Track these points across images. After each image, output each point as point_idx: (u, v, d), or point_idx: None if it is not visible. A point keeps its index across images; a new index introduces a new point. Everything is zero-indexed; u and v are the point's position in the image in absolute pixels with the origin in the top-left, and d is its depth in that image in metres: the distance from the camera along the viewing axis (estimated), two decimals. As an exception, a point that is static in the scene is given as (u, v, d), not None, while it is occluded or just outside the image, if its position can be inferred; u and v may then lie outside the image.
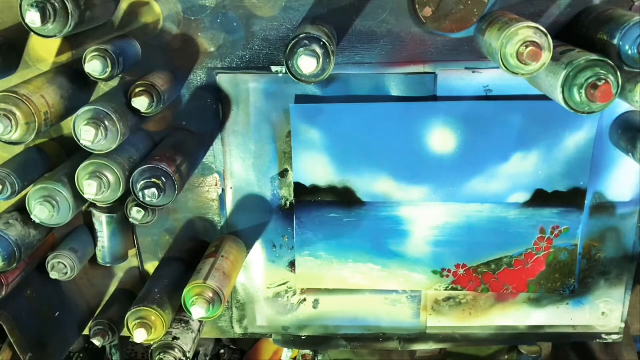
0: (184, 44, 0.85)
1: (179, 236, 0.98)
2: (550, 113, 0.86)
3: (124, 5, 0.83)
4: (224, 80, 0.87)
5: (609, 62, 0.66)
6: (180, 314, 0.91)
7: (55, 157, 0.89)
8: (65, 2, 0.67)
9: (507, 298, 1.00)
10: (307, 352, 1.17)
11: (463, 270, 0.97)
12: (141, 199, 0.78)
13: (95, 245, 0.93)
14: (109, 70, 0.75)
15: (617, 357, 1.05)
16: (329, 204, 0.94)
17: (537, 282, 0.97)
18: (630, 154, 0.83)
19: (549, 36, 0.66)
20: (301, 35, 0.70)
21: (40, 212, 0.76)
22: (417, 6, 0.78)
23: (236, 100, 0.88)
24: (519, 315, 1.00)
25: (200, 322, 0.94)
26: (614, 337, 1.01)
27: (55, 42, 0.85)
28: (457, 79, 0.86)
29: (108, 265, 0.95)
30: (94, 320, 0.96)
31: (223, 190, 0.94)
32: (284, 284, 1.00)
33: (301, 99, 0.88)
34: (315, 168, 0.91)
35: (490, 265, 0.97)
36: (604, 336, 1.01)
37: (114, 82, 0.85)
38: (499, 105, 0.87)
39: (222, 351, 1.30)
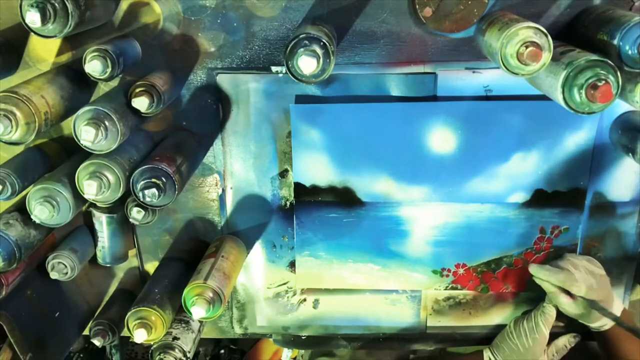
0: (184, 44, 0.85)
1: (179, 236, 0.98)
2: (550, 113, 0.86)
3: (124, 5, 0.83)
4: (224, 80, 0.87)
5: (609, 62, 0.66)
6: (181, 314, 0.91)
7: (55, 157, 0.89)
8: (65, 2, 0.67)
9: (507, 298, 1.00)
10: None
11: (463, 270, 0.97)
12: (141, 199, 0.78)
13: (95, 245, 0.93)
14: (109, 70, 0.75)
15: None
16: (329, 204, 0.94)
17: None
18: (630, 154, 0.83)
19: (549, 36, 0.66)
20: (301, 35, 0.70)
21: (40, 212, 0.76)
22: (417, 6, 0.78)
23: (236, 100, 0.88)
24: (519, 314, 1.00)
25: (200, 322, 0.94)
26: (614, 337, 1.01)
27: (55, 42, 0.85)
28: (457, 79, 0.86)
29: (108, 265, 0.95)
30: (94, 320, 0.96)
31: (223, 190, 0.94)
32: (284, 284, 1.00)
33: (301, 99, 0.88)
34: (315, 168, 0.91)
35: (490, 264, 0.97)
36: (603, 336, 1.01)
37: (114, 82, 0.85)
38: (499, 105, 0.87)
39: (222, 351, 1.30)
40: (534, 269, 0.91)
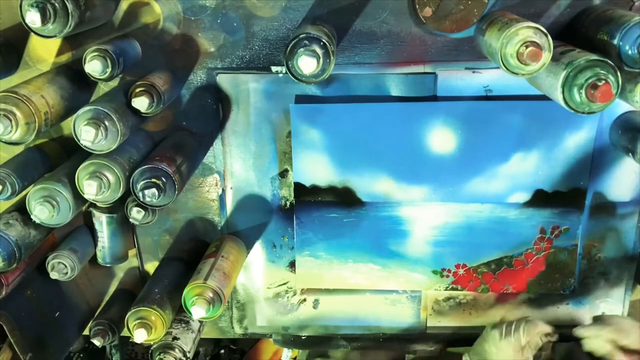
0: (184, 44, 0.85)
1: (179, 236, 0.98)
2: (550, 113, 0.86)
3: (124, 5, 0.83)
4: (224, 80, 0.87)
5: (609, 62, 0.66)
6: (180, 314, 0.91)
7: (55, 157, 0.89)
8: (65, 2, 0.67)
9: (507, 298, 1.00)
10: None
11: (463, 270, 0.97)
12: (141, 199, 0.78)
13: (95, 245, 0.93)
14: (109, 70, 0.75)
15: None
16: (329, 204, 0.94)
17: (537, 282, 0.97)
18: (630, 154, 0.83)
19: (549, 36, 0.66)
20: (301, 35, 0.70)
21: (40, 212, 0.76)
22: (417, 6, 0.78)
23: (236, 100, 0.88)
24: (519, 315, 1.00)
25: (200, 322, 0.94)
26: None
27: (55, 42, 0.85)
28: (457, 79, 0.86)
29: (108, 265, 0.95)
30: (94, 320, 0.96)
31: (223, 190, 0.94)
32: (284, 284, 1.00)
33: (301, 99, 0.88)
34: (315, 168, 0.91)
35: (490, 265, 0.97)
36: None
37: (114, 82, 0.85)
38: (499, 105, 0.87)
39: (222, 351, 1.30)
40: (580, 331, 0.86)
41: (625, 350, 0.83)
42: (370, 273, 0.98)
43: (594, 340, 0.85)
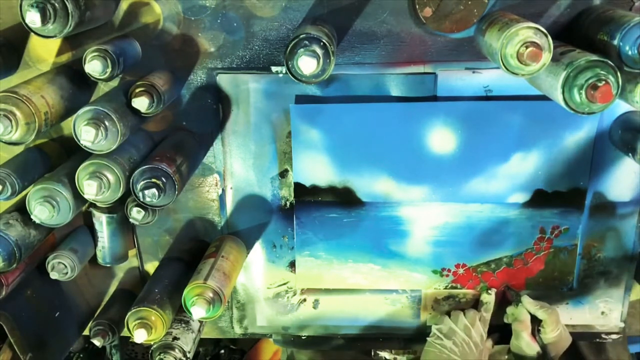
0: (184, 44, 0.85)
1: (179, 236, 0.98)
2: (550, 113, 0.86)
3: (124, 5, 0.83)
4: (224, 80, 0.87)
5: (609, 62, 0.66)
6: (181, 314, 0.91)
7: (55, 157, 0.89)
8: (65, 2, 0.67)
9: (506, 297, 1.00)
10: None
11: (463, 270, 0.97)
12: (141, 199, 0.78)
13: (95, 245, 0.93)
14: (109, 70, 0.75)
15: (606, 355, 1.05)
16: (329, 204, 0.94)
17: (536, 281, 0.97)
18: (630, 154, 0.83)
19: (549, 36, 0.66)
20: (301, 36, 0.70)
21: (40, 212, 0.76)
22: (417, 6, 0.78)
23: (236, 100, 0.88)
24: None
25: (200, 322, 0.94)
26: (614, 336, 1.01)
27: (55, 42, 0.85)
28: (457, 79, 0.86)
29: (108, 265, 0.95)
30: (94, 320, 0.96)
31: (223, 190, 0.94)
32: (284, 284, 1.00)
33: (301, 99, 0.88)
34: (315, 168, 0.91)
35: (490, 264, 0.97)
36: (603, 336, 1.01)
37: (114, 82, 0.85)
38: (499, 105, 0.87)
39: (222, 351, 1.31)
40: (526, 300, 0.93)
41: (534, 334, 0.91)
42: (370, 273, 0.98)
43: (524, 310, 0.92)
